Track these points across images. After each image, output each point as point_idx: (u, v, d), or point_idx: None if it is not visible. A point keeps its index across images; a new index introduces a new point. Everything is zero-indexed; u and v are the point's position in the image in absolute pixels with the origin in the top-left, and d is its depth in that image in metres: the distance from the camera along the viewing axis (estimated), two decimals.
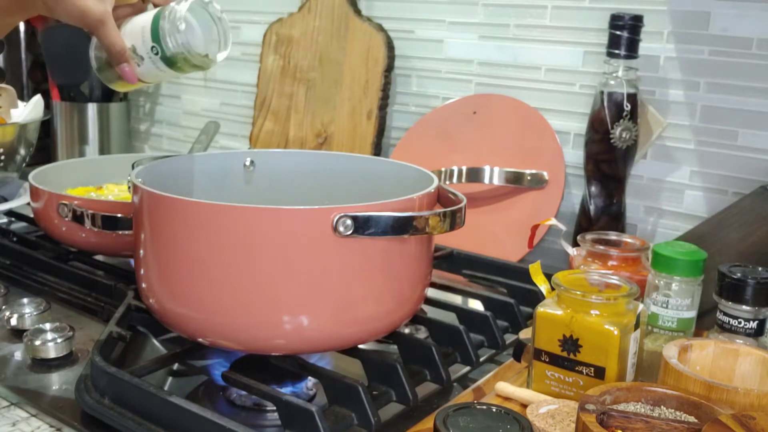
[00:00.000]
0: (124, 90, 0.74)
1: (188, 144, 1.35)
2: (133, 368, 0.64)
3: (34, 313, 0.78)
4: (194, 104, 1.51)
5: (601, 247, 0.77)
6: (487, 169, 1.07)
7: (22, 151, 1.22)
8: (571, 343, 0.60)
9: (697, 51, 0.96)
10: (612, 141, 0.94)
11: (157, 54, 0.67)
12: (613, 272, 0.70)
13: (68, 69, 1.43)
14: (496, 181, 1.07)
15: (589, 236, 0.80)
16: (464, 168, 1.08)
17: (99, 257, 0.96)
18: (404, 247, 0.64)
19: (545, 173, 1.05)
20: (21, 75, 1.58)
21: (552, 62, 1.07)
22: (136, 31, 0.68)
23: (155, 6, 0.71)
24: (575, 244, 0.83)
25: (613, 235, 0.81)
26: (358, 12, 1.22)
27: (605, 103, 0.94)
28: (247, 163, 0.82)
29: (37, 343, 0.71)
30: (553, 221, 0.82)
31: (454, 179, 1.08)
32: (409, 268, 0.66)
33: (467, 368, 0.72)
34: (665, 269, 0.67)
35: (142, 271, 0.67)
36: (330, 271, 0.61)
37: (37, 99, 1.24)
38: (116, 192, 1.04)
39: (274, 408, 0.61)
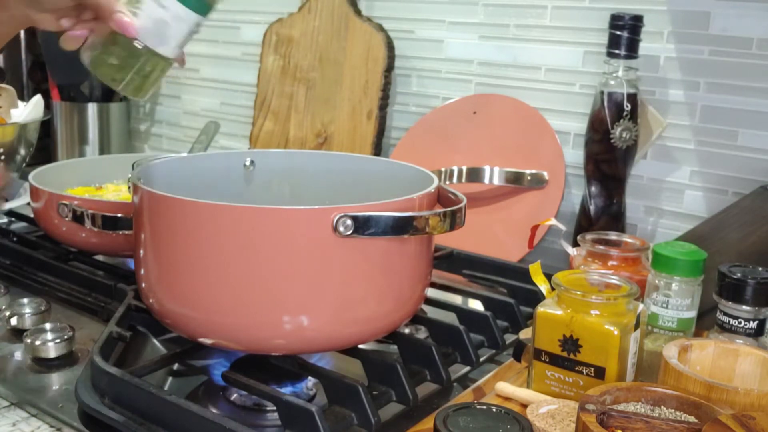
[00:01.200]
0: (135, 96, 0.69)
1: (188, 144, 1.35)
2: (133, 368, 0.64)
3: (34, 313, 0.78)
4: (194, 104, 1.51)
5: (601, 247, 0.77)
6: (487, 169, 1.07)
7: (22, 151, 1.21)
8: (571, 343, 0.60)
9: (697, 51, 0.96)
10: (612, 141, 0.94)
11: None
12: (613, 272, 0.70)
13: (68, 69, 1.43)
14: (496, 181, 1.07)
15: (589, 236, 0.80)
16: (464, 168, 1.08)
17: (99, 257, 0.96)
18: (404, 247, 0.64)
19: (545, 173, 1.05)
20: (21, 75, 1.58)
21: (552, 62, 1.07)
22: None
23: None
24: (575, 244, 0.83)
25: (613, 235, 0.81)
26: (358, 12, 1.22)
27: (605, 103, 0.94)
28: (247, 163, 0.82)
29: (37, 343, 0.71)
30: (553, 221, 0.82)
31: (454, 179, 1.08)
32: (409, 268, 0.66)
33: (467, 368, 0.72)
34: (665, 269, 0.67)
35: (142, 271, 0.67)
36: (330, 271, 0.61)
37: (37, 99, 1.24)
38: (116, 192, 1.04)
39: (274, 408, 0.61)
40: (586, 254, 0.78)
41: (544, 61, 1.08)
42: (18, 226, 1.10)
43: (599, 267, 0.76)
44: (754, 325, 0.63)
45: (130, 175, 0.69)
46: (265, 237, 0.60)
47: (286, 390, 0.64)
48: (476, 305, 0.84)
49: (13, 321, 0.77)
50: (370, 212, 0.59)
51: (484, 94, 1.14)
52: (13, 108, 1.23)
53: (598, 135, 0.95)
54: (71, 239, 0.93)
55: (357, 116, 1.21)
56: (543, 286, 0.68)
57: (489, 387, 0.66)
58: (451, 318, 0.78)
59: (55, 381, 0.68)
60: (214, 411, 0.63)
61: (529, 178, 1.05)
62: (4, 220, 1.13)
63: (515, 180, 1.06)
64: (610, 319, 0.59)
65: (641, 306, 0.62)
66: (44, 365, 0.71)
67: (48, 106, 1.36)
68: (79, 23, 0.66)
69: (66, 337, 0.72)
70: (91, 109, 1.45)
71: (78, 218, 0.80)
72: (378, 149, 1.20)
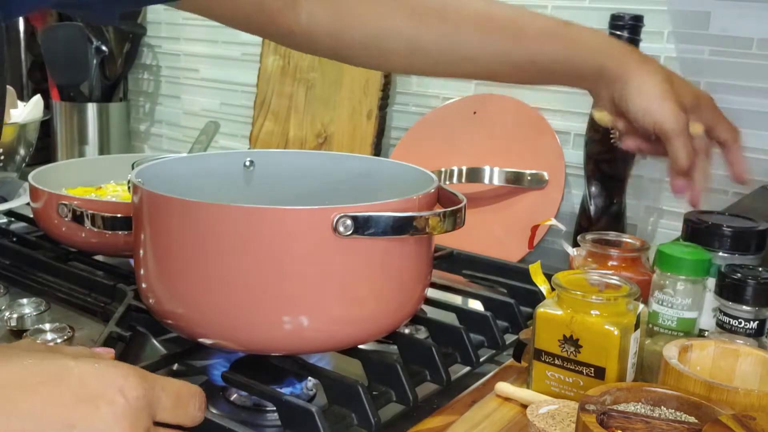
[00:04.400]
0: None
1: (188, 144, 1.35)
2: None
3: (34, 313, 0.78)
4: (194, 104, 1.51)
5: (601, 247, 0.77)
6: (487, 169, 1.07)
7: (22, 151, 1.22)
8: (571, 343, 0.60)
9: (697, 51, 0.96)
10: (612, 141, 0.93)
11: None
12: (613, 272, 0.70)
13: (68, 69, 1.43)
14: (496, 181, 1.07)
15: (589, 236, 0.79)
16: (464, 168, 1.08)
17: (99, 257, 0.96)
18: (404, 247, 0.64)
19: (545, 173, 1.05)
20: (21, 75, 1.58)
21: None
22: None
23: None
24: (575, 245, 0.82)
25: (612, 235, 0.81)
26: None
27: None
28: (247, 163, 0.82)
29: (37, 343, 0.71)
30: (553, 221, 0.82)
31: (454, 179, 1.08)
32: (409, 268, 0.66)
33: (467, 368, 0.72)
34: (670, 269, 0.67)
35: (142, 271, 0.67)
36: (330, 271, 0.61)
37: (37, 99, 1.24)
38: (116, 192, 1.04)
39: (274, 408, 0.61)
40: (586, 254, 0.78)
41: None
42: (18, 226, 1.10)
43: (599, 267, 0.76)
44: (754, 325, 0.63)
45: (129, 175, 0.69)
46: (264, 237, 0.59)
47: (286, 390, 0.64)
48: (476, 305, 0.84)
49: (13, 321, 0.77)
50: (370, 212, 0.59)
51: (484, 94, 1.14)
52: (12, 108, 1.23)
53: (598, 135, 0.95)
54: (71, 239, 0.93)
55: (357, 116, 1.21)
56: (543, 286, 0.68)
57: (489, 387, 0.66)
58: (451, 318, 0.78)
59: None
60: (214, 411, 0.63)
61: (529, 178, 1.05)
62: (4, 220, 1.12)
63: (515, 180, 1.06)
64: (610, 319, 0.59)
65: (641, 306, 0.62)
66: None
67: (48, 106, 1.36)
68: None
69: (66, 337, 0.72)
70: (91, 109, 1.45)
71: (78, 218, 0.79)
72: (378, 149, 1.20)
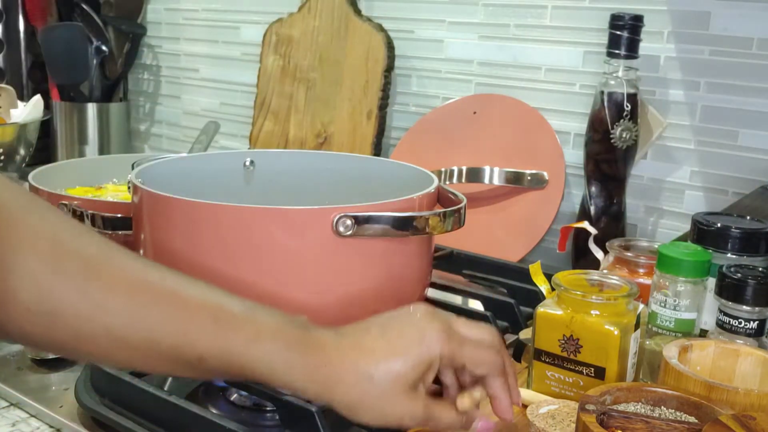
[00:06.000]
0: None
1: (188, 144, 1.35)
2: None
3: None
4: (194, 104, 1.51)
5: (629, 254, 0.76)
6: (487, 169, 1.07)
7: (22, 151, 1.22)
8: (571, 343, 0.60)
9: (697, 51, 0.96)
10: (612, 141, 0.94)
11: None
12: (643, 279, 0.70)
13: (68, 69, 1.43)
14: (496, 181, 1.07)
15: (616, 242, 0.78)
16: (464, 168, 1.08)
17: None
18: (404, 247, 0.64)
19: (545, 173, 1.05)
20: (21, 75, 1.58)
21: (552, 62, 1.07)
22: None
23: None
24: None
25: (643, 242, 0.80)
26: (358, 12, 1.22)
27: (605, 103, 0.94)
28: (247, 163, 0.82)
29: None
30: (585, 224, 0.82)
31: (454, 179, 1.08)
32: (409, 268, 0.66)
33: None
34: (669, 270, 0.67)
35: None
36: (330, 271, 0.61)
37: (37, 99, 1.24)
38: (116, 192, 1.04)
39: (274, 408, 0.61)
40: (614, 260, 0.77)
41: (544, 61, 1.08)
42: None
43: (628, 273, 0.75)
44: (754, 325, 0.63)
45: (129, 175, 0.69)
46: (265, 237, 0.59)
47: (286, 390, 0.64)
48: (476, 305, 0.84)
49: None
50: (370, 212, 0.59)
51: (484, 94, 1.14)
52: (12, 108, 1.23)
53: (598, 135, 0.95)
54: None
55: (357, 116, 1.21)
56: (543, 286, 0.68)
57: None
58: None
59: (55, 381, 0.68)
60: (214, 411, 0.63)
61: (529, 178, 1.05)
62: None
63: (515, 180, 1.06)
64: (610, 319, 0.59)
65: (641, 306, 0.62)
66: (44, 365, 0.71)
67: (48, 106, 1.36)
68: None
69: None
70: (91, 109, 1.45)
71: (78, 218, 0.79)
72: (378, 149, 1.20)
